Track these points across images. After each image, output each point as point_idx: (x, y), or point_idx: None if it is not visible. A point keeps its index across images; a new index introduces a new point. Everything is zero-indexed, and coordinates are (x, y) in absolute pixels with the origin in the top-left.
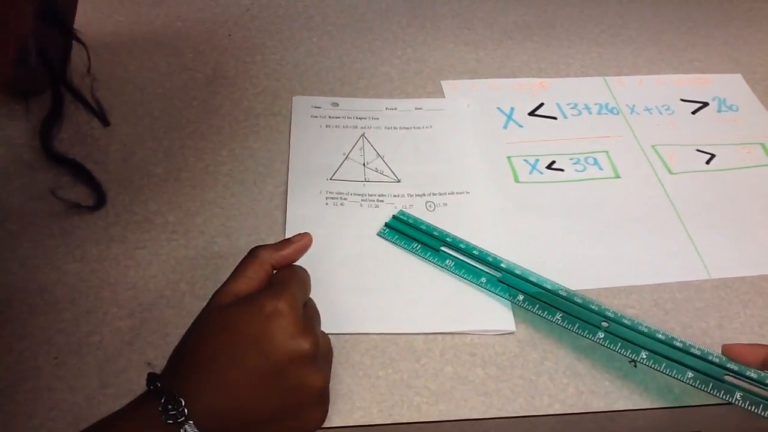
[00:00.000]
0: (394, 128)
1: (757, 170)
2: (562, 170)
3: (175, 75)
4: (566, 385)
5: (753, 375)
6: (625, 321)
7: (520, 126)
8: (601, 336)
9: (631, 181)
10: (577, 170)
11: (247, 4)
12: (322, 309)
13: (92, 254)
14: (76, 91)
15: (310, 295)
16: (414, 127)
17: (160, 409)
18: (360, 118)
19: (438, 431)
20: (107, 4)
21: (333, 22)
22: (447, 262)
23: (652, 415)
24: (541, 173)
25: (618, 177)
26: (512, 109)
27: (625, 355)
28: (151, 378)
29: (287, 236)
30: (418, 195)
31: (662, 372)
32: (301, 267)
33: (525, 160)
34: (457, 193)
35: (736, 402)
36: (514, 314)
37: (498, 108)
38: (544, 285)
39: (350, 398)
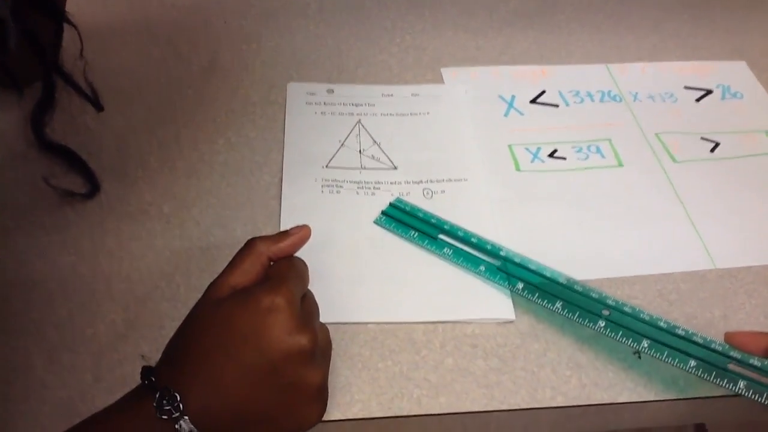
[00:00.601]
0: (391, 115)
1: (763, 158)
2: (564, 159)
3: (170, 63)
4: (569, 377)
5: (756, 363)
6: (626, 309)
7: (522, 114)
8: (602, 324)
9: (634, 169)
10: (579, 159)
11: None
12: (318, 298)
13: (86, 246)
14: (68, 77)
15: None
16: (411, 114)
17: (155, 404)
18: (356, 105)
19: (439, 425)
20: None
21: (330, 9)
22: (445, 250)
23: (656, 407)
24: (543, 162)
25: (621, 165)
26: (513, 96)
27: (626, 344)
28: (146, 372)
29: (282, 225)
30: (415, 182)
31: (664, 361)
32: (299, 259)
33: (526, 148)
34: (454, 180)
35: (740, 391)
36: (515, 305)
37: (499, 96)
38: (544, 273)
39: (349, 391)
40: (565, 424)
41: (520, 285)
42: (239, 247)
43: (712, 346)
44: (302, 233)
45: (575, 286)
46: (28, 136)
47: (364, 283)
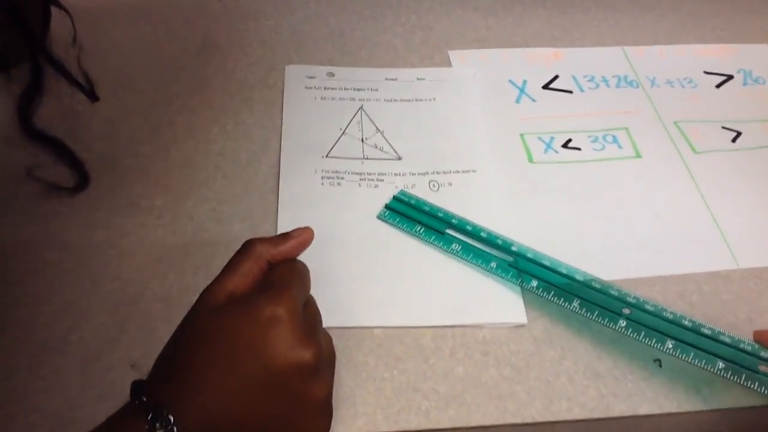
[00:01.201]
0: (395, 100)
1: None
2: (579, 149)
3: (163, 44)
4: (586, 387)
5: None
6: (648, 307)
7: (534, 100)
8: (623, 324)
9: (652, 161)
10: (595, 149)
11: None
12: (318, 301)
13: (73, 242)
14: (59, 64)
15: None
16: (416, 99)
17: (147, 427)
18: (358, 90)
19: None
20: None
21: None
22: (453, 246)
23: (678, 419)
24: (557, 152)
25: (639, 156)
26: (525, 81)
27: (649, 345)
28: (137, 387)
29: (279, 220)
30: (421, 173)
31: (690, 363)
32: (300, 262)
33: (539, 137)
34: (462, 171)
35: None
36: (528, 307)
37: (510, 80)
38: (559, 269)
39: (353, 403)
40: None
41: (534, 282)
42: (236, 244)
43: (741, 346)
44: (305, 236)
45: (593, 284)
46: (15, 122)
47: (367, 284)
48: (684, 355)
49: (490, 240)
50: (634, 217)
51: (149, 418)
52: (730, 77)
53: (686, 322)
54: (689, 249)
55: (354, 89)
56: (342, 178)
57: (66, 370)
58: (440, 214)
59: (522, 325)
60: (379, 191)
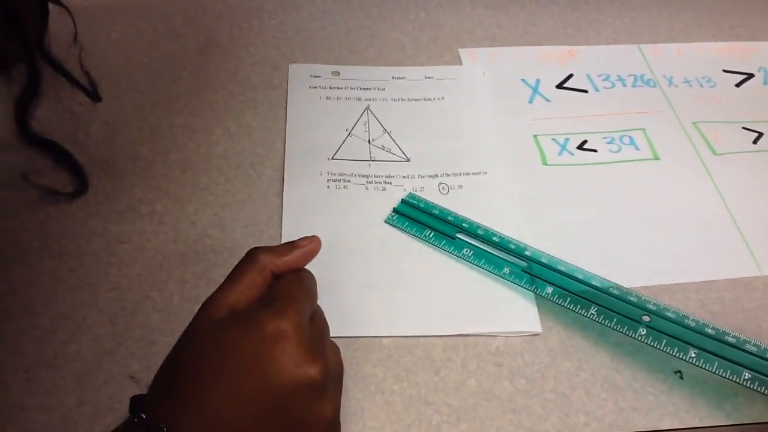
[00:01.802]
0: (402, 100)
1: None
2: (594, 151)
3: (163, 43)
4: (604, 400)
5: None
6: (669, 314)
7: (548, 100)
8: (643, 332)
9: (671, 163)
10: (611, 151)
11: None
12: (322, 308)
13: (70, 250)
14: (57, 64)
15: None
16: (424, 99)
17: None
18: (364, 89)
19: None
20: None
21: None
22: (464, 251)
23: None
24: (572, 154)
25: (657, 158)
26: (538, 81)
27: (671, 354)
28: (136, 403)
29: (284, 225)
30: (430, 176)
31: (715, 373)
32: (307, 272)
33: (553, 139)
34: (473, 173)
35: None
36: (543, 316)
37: (522, 80)
38: (575, 275)
39: (361, 417)
40: None
41: (549, 289)
42: (239, 251)
43: None
44: (311, 245)
45: (611, 290)
46: (12, 125)
47: (375, 292)
48: (708, 365)
49: (503, 244)
50: (652, 222)
51: None
52: (750, 76)
53: (709, 330)
54: (710, 255)
55: (360, 88)
56: (348, 180)
57: (61, 384)
58: (450, 218)
59: (536, 335)
60: (387, 194)
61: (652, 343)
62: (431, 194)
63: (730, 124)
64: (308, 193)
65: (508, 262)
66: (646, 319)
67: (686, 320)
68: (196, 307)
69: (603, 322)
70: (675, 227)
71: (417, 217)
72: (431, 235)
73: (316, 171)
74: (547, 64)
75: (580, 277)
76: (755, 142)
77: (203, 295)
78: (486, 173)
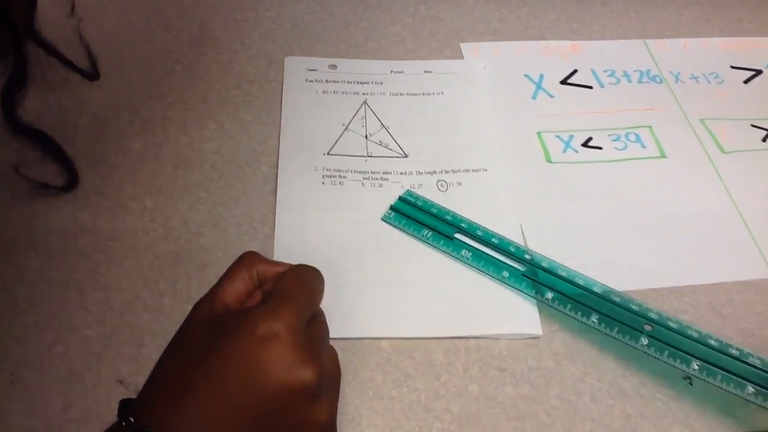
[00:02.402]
0: (401, 94)
1: None
2: (599, 148)
3: (156, 34)
4: (611, 407)
5: None
6: (671, 324)
7: (551, 96)
8: (645, 342)
9: (678, 161)
10: (617, 148)
11: None
12: None
13: (57, 246)
14: (50, 46)
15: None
16: (423, 93)
17: None
18: (361, 83)
19: None
20: None
21: None
22: (463, 252)
23: None
24: (577, 152)
25: (663, 156)
26: (541, 76)
27: (673, 366)
28: (124, 408)
29: (278, 222)
30: (428, 172)
31: (717, 386)
32: (311, 268)
33: (557, 136)
34: (473, 170)
35: None
36: (546, 319)
37: (525, 75)
38: (576, 280)
39: (359, 424)
40: None
41: (549, 294)
42: (233, 250)
43: None
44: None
45: (612, 297)
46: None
47: (371, 291)
48: (711, 378)
49: (502, 247)
50: (658, 222)
51: None
52: (758, 72)
53: (712, 342)
54: (719, 256)
55: (357, 82)
56: (344, 177)
57: (46, 388)
58: (449, 217)
59: (539, 338)
60: (384, 191)
61: (654, 354)
62: (429, 191)
63: (739, 122)
64: (302, 189)
65: (508, 265)
66: (648, 328)
67: (689, 330)
68: (188, 308)
69: (604, 330)
70: (682, 227)
71: (414, 215)
72: (429, 235)
73: (311, 167)
74: (551, 60)
75: (581, 282)
76: (764, 140)
77: (195, 295)
78: (486, 170)
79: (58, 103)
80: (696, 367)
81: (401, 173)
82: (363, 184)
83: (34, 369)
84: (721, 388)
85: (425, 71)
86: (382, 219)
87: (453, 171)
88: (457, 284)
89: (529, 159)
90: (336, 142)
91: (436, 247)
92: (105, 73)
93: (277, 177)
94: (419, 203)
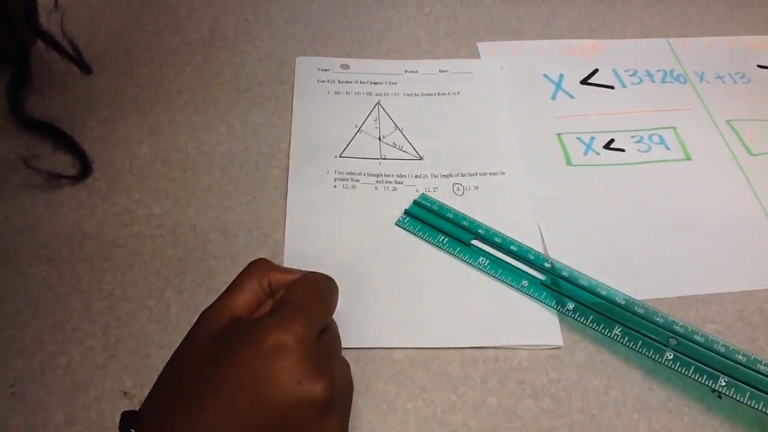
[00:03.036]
0: (415, 95)
1: None
2: (622, 150)
3: (165, 36)
4: (636, 421)
5: None
6: (698, 338)
7: (571, 97)
8: (670, 357)
9: (704, 163)
10: (640, 150)
11: None
12: None
13: (61, 254)
14: (50, 38)
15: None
16: (438, 94)
17: None
18: (375, 83)
19: None
20: None
21: None
22: (480, 259)
23: None
24: (598, 154)
25: (689, 159)
26: (561, 76)
27: (700, 382)
28: (127, 420)
29: (288, 227)
30: (444, 175)
31: (746, 404)
32: (325, 277)
33: (578, 137)
34: (490, 173)
35: None
36: (568, 329)
37: (544, 75)
38: (598, 291)
39: None
40: None
41: (571, 305)
42: (242, 257)
43: None
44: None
45: (636, 308)
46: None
47: (385, 299)
48: (739, 395)
49: (521, 254)
50: (684, 227)
51: None
52: None
53: (740, 357)
54: (747, 263)
55: (371, 83)
56: (357, 180)
57: (48, 401)
58: (465, 223)
59: (560, 348)
60: (398, 194)
61: (680, 369)
62: (445, 195)
63: (767, 123)
64: (314, 193)
65: (527, 273)
66: (673, 341)
67: (716, 345)
68: (195, 318)
69: (627, 343)
70: (709, 233)
71: (430, 220)
72: (445, 241)
73: (322, 169)
74: (571, 59)
75: (603, 293)
76: None
77: (203, 304)
78: (504, 173)
79: (65, 106)
80: (723, 383)
81: (416, 176)
82: (376, 188)
83: (36, 381)
84: (750, 406)
85: (441, 71)
86: (396, 224)
87: (470, 174)
88: (474, 293)
89: (548, 162)
90: (348, 144)
91: (453, 254)
92: (113, 76)
93: (287, 181)
94: (435, 207)
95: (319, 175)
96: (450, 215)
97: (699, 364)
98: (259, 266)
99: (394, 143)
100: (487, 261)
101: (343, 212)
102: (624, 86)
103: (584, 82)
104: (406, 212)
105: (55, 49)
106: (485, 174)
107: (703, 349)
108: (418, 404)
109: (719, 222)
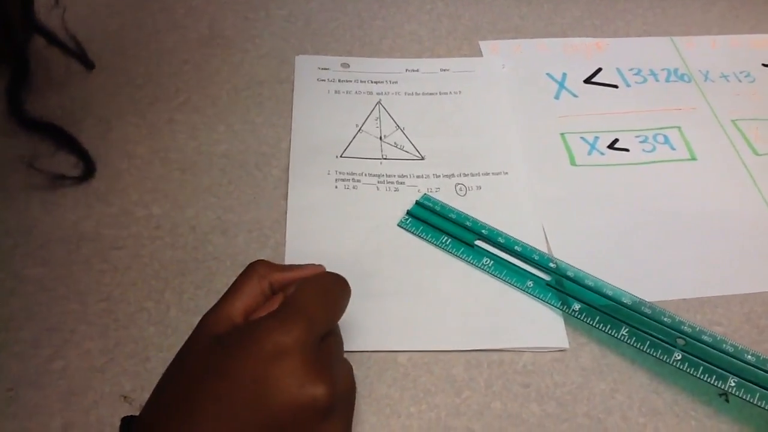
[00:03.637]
0: (416, 94)
1: None
2: (626, 150)
3: (163, 34)
4: (643, 425)
5: None
6: (705, 338)
7: (575, 96)
8: (678, 357)
9: (709, 163)
10: (644, 150)
11: None
12: None
13: (58, 256)
14: (52, 35)
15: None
16: (440, 93)
17: None
18: (375, 82)
19: None
20: None
21: None
22: (484, 260)
23: None
24: (603, 154)
25: (694, 159)
26: (564, 75)
27: (708, 382)
28: (126, 424)
29: (289, 229)
30: (446, 176)
31: (756, 405)
32: (335, 278)
33: (582, 137)
34: (493, 173)
35: None
36: (574, 331)
37: (547, 74)
38: (604, 291)
39: None
40: None
41: (576, 306)
42: (242, 258)
43: None
44: (316, 270)
45: (643, 308)
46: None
47: (387, 302)
48: (749, 396)
49: (526, 255)
50: (689, 228)
51: None
52: None
53: (749, 357)
54: (755, 264)
55: (371, 82)
56: (358, 180)
57: (45, 405)
58: (468, 223)
59: (565, 351)
60: (400, 195)
61: (688, 370)
62: (447, 195)
63: None
64: (315, 194)
65: (532, 274)
66: (681, 342)
67: (724, 345)
68: (195, 320)
69: (635, 344)
70: (715, 233)
71: (432, 220)
72: (448, 242)
73: (323, 170)
74: (574, 58)
75: (610, 293)
76: None
77: (203, 306)
78: (507, 173)
79: (62, 106)
80: (733, 384)
81: (418, 176)
82: (378, 188)
83: (33, 386)
84: (760, 407)
85: (442, 69)
86: (398, 225)
87: (472, 174)
88: (478, 294)
89: (552, 162)
90: (349, 144)
91: (456, 255)
92: (110, 75)
93: (288, 181)
94: (437, 208)
95: (320, 176)
96: (453, 216)
97: (708, 365)
98: (258, 268)
99: (395, 143)
100: (491, 262)
101: (344, 213)
102: (628, 85)
103: (588, 81)
104: (409, 213)
105: (57, 45)
106: (488, 174)
107: (712, 350)
108: (422, 408)
109: (724, 222)
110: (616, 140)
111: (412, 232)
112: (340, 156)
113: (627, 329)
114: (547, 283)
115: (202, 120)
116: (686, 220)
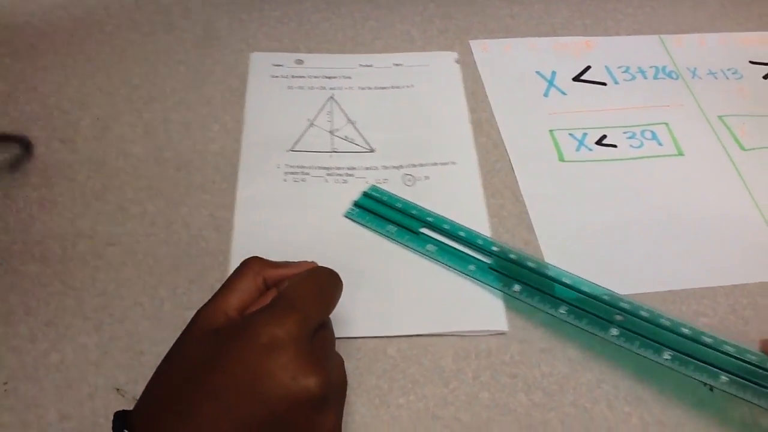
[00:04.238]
0: (369, 88)
1: None
2: (614, 146)
3: (159, 35)
4: (628, 414)
5: None
6: (643, 313)
7: (564, 93)
8: (615, 333)
9: (696, 159)
10: (632, 146)
11: None
12: None
13: (54, 252)
14: None
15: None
16: (392, 87)
17: None
18: (329, 78)
19: None
20: None
21: None
22: (428, 247)
23: None
24: (591, 150)
25: (681, 154)
26: (554, 73)
27: (645, 356)
28: (119, 419)
29: (236, 222)
30: (395, 167)
31: (690, 377)
32: (328, 273)
33: (571, 134)
34: (441, 163)
35: None
36: (552, 325)
37: (537, 72)
38: (545, 272)
39: None
40: None
41: (517, 287)
42: (235, 255)
43: (746, 356)
44: (308, 266)
45: (582, 288)
46: None
47: None
48: (683, 368)
49: (470, 239)
50: (676, 222)
51: None
52: None
53: (685, 330)
54: (740, 257)
55: (324, 77)
56: (307, 173)
57: (41, 398)
58: (414, 212)
59: (503, 333)
60: (348, 187)
61: (624, 345)
62: (396, 186)
63: (758, 118)
64: (263, 187)
65: (474, 258)
66: (619, 318)
67: (660, 319)
68: (189, 315)
69: (573, 321)
70: (701, 227)
71: (379, 210)
72: (393, 230)
73: (272, 164)
74: (564, 56)
75: (550, 273)
76: None
77: (196, 301)
78: (455, 163)
79: (59, 107)
80: (668, 357)
81: (366, 168)
82: (327, 180)
83: (29, 379)
84: (694, 378)
85: (395, 64)
86: (345, 215)
87: (420, 165)
88: (423, 281)
89: (541, 158)
90: (300, 139)
91: (401, 243)
92: (107, 76)
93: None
94: (384, 198)
95: (269, 170)
96: (399, 205)
97: (644, 339)
98: (252, 264)
99: (345, 136)
100: (435, 248)
101: (292, 206)
102: (616, 83)
103: (577, 78)
104: (355, 204)
105: None
106: (436, 164)
107: (649, 324)
108: (411, 399)
109: (711, 216)
110: (604, 136)
111: (359, 222)
112: (290, 150)
113: (566, 308)
114: (490, 266)
115: (197, 119)
116: (673, 214)
